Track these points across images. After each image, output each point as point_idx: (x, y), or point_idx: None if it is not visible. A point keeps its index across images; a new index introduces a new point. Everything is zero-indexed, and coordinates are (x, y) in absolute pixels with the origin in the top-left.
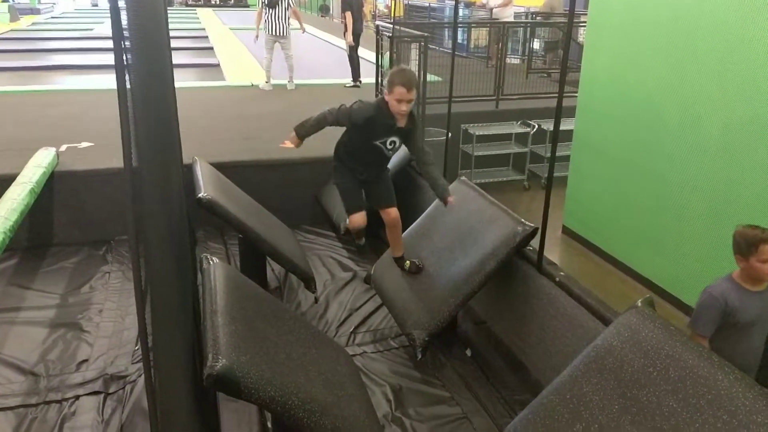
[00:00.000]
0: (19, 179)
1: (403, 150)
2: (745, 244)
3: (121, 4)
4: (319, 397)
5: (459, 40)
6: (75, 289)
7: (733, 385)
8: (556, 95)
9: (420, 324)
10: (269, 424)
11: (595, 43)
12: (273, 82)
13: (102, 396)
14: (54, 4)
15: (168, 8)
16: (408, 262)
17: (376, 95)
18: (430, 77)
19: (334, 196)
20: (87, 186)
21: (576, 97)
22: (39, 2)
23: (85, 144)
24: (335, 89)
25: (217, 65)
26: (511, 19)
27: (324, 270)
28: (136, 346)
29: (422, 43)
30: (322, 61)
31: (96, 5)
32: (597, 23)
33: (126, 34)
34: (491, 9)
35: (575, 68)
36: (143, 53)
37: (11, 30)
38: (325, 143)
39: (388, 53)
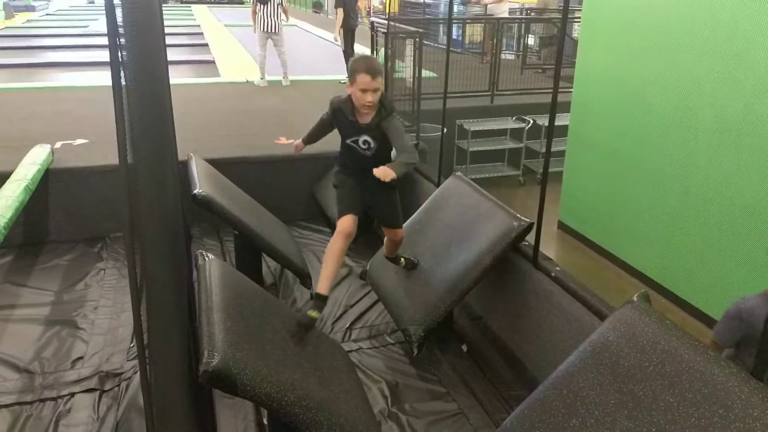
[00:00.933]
0: (13, 176)
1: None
2: None
3: (116, 1)
4: (315, 394)
5: (454, 36)
6: (70, 286)
7: (728, 380)
8: (551, 91)
9: (416, 320)
10: (265, 421)
11: (589, 38)
12: (268, 78)
13: (97, 393)
14: (49, 1)
15: (163, 5)
16: (403, 259)
17: None
18: (425, 73)
19: (330, 192)
20: (82, 183)
21: (571, 92)
22: None
23: (80, 141)
24: (330, 85)
25: (212, 62)
26: (506, 15)
27: (319, 266)
28: (131, 343)
29: (417, 39)
30: (317, 57)
31: (92, 2)
32: (591, 19)
33: (121, 31)
34: (486, 5)
35: (570, 64)
36: (138, 50)
37: (6, 27)
38: (321, 140)
39: (383, 49)
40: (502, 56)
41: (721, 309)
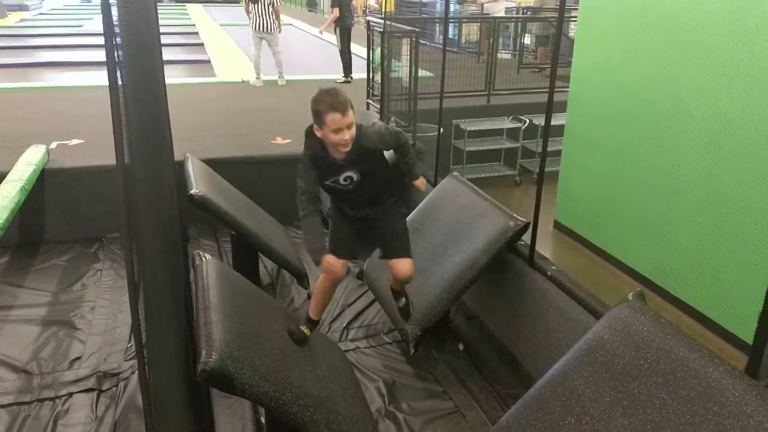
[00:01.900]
0: (9, 177)
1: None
2: None
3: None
4: (313, 392)
5: (450, 36)
6: (67, 286)
7: (723, 377)
8: (548, 90)
9: (413, 319)
10: (263, 419)
11: (585, 37)
12: (264, 77)
13: (95, 393)
14: (42, 0)
15: (158, 4)
16: (404, 298)
17: (367, 90)
18: (421, 73)
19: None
20: (78, 183)
21: (567, 92)
22: None
23: (75, 141)
24: (326, 85)
25: (208, 61)
26: (503, 15)
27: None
28: (128, 343)
29: (413, 39)
30: (313, 56)
31: (89, 0)
32: (587, 18)
33: (117, 30)
34: (482, 4)
35: (566, 63)
36: (134, 50)
37: None
38: None
39: (379, 48)
40: (499, 56)
41: (715, 307)
